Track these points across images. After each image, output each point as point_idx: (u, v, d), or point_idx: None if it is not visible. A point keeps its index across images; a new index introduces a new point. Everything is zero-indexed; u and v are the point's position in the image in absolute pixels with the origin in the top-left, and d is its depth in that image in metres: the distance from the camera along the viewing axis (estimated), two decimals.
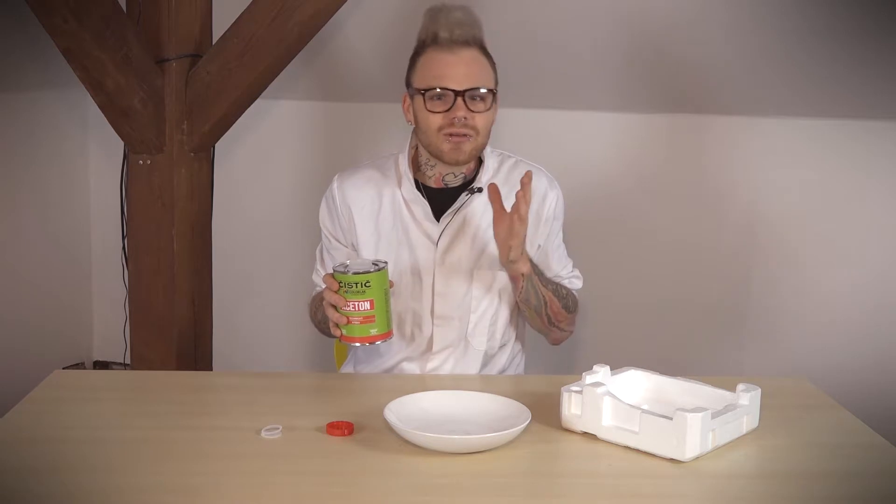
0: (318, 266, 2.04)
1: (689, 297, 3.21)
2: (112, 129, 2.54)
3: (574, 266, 2.08)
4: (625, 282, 3.22)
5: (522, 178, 1.74)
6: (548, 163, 2.07)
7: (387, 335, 1.67)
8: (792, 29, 2.78)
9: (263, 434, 1.53)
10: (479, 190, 1.92)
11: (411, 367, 1.96)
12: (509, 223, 1.75)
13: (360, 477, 1.42)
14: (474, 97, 1.84)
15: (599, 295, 2.91)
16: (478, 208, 1.93)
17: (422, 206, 1.93)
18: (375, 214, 1.95)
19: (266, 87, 2.59)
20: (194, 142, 2.57)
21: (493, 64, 1.89)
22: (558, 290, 1.95)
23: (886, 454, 1.54)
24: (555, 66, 2.99)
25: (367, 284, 1.63)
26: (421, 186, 1.94)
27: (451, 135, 1.84)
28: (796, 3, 2.70)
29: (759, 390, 1.59)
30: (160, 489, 1.36)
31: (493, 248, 1.92)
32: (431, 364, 1.95)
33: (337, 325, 1.67)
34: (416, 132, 1.93)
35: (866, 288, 3.15)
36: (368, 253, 1.95)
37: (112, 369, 3.46)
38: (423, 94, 1.84)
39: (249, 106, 2.61)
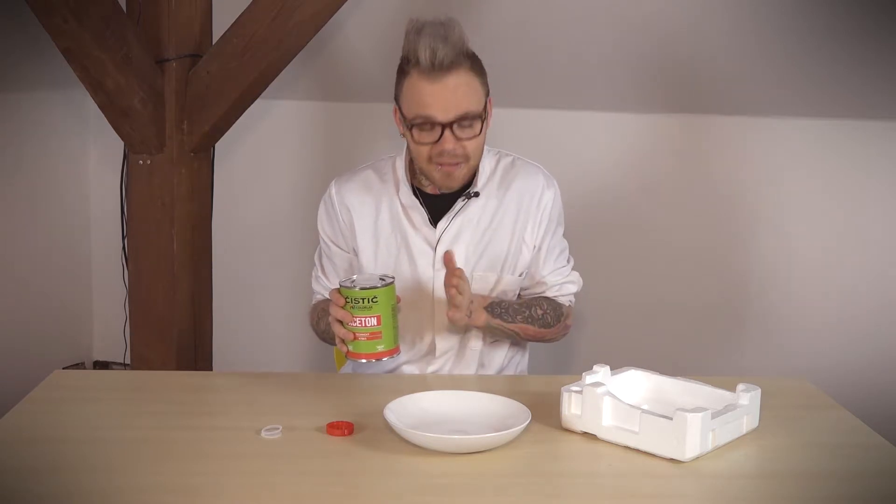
0: (319, 273, 2.02)
1: (689, 297, 3.21)
2: (112, 129, 2.54)
3: (574, 267, 2.06)
4: (625, 282, 3.22)
5: (444, 257, 1.79)
6: (548, 163, 2.06)
7: (393, 351, 1.66)
8: (792, 29, 2.78)
9: (263, 434, 1.53)
10: (476, 194, 1.91)
11: (412, 370, 1.96)
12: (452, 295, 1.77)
13: (360, 477, 1.42)
14: (462, 125, 1.79)
15: (599, 295, 2.92)
16: (475, 212, 1.92)
17: (419, 213, 1.92)
18: (374, 220, 1.94)
19: (266, 87, 2.59)
20: (194, 142, 2.57)
21: (480, 74, 1.81)
22: (531, 314, 1.93)
23: (886, 454, 1.54)
24: (555, 66, 2.99)
25: (375, 300, 1.61)
26: (418, 192, 1.93)
27: (441, 164, 1.82)
28: (796, 3, 2.71)
29: (759, 390, 1.59)
30: (160, 489, 1.36)
31: (490, 252, 1.93)
32: (432, 367, 1.95)
33: (343, 341, 1.66)
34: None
35: (866, 288, 3.15)
36: (368, 259, 1.94)
37: (112, 369, 3.46)
38: (411, 126, 1.81)
39: (249, 106, 2.61)
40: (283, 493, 1.35)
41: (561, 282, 2.00)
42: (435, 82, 1.75)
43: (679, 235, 3.20)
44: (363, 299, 1.61)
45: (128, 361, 2.98)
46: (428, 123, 1.78)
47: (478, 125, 1.80)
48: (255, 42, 2.46)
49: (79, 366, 3.44)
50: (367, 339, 1.63)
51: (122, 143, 2.65)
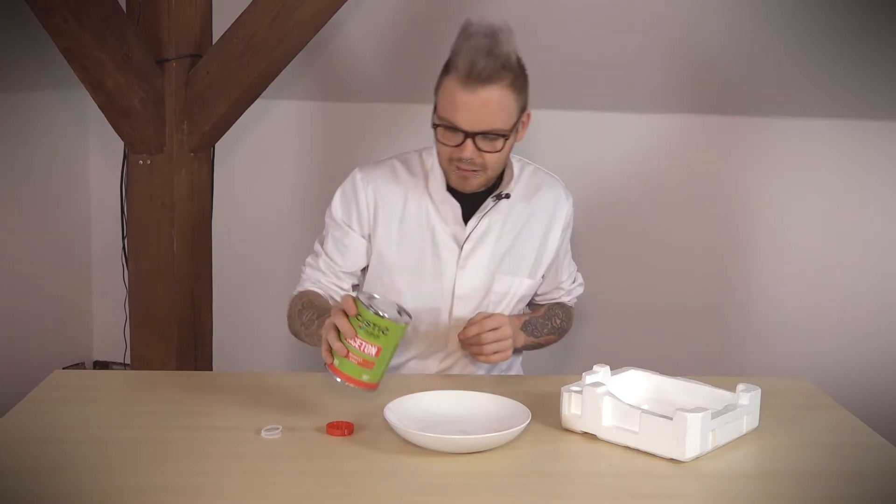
0: (324, 257, 1.97)
1: (689, 297, 3.21)
2: (112, 129, 2.54)
3: (577, 268, 2.11)
4: (625, 282, 3.22)
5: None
6: (548, 163, 2.07)
7: (374, 386, 1.58)
8: (792, 29, 2.78)
9: (263, 434, 1.53)
10: (507, 196, 1.90)
11: (421, 366, 1.96)
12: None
13: (360, 477, 1.42)
14: (486, 138, 1.77)
15: (600, 295, 2.92)
16: (502, 214, 1.92)
17: (451, 208, 1.90)
18: (401, 210, 1.92)
19: (266, 87, 2.59)
20: (194, 142, 2.57)
21: (518, 91, 1.78)
22: (553, 325, 2.01)
23: (886, 454, 1.54)
24: (555, 66, 2.98)
25: (385, 331, 1.54)
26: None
27: (459, 167, 1.81)
28: (796, 3, 2.71)
29: (759, 390, 1.59)
30: (160, 489, 1.36)
31: (513, 254, 1.94)
32: (444, 364, 1.96)
33: (331, 352, 1.58)
34: None
35: (866, 288, 3.15)
36: (389, 249, 1.91)
37: (112, 369, 3.46)
38: (438, 124, 1.80)
39: (249, 106, 2.61)
40: (283, 493, 1.35)
41: (572, 286, 2.09)
42: (468, 92, 1.74)
43: (679, 235, 3.20)
44: (374, 325, 1.53)
45: (128, 361, 2.98)
46: (453, 128, 1.77)
47: (500, 142, 1.79)
48: (255, 42, 2.46)
49: (79, 366, 3.43)
50: (358, 363, 1.55)
51: (122, 143, 2.65)
